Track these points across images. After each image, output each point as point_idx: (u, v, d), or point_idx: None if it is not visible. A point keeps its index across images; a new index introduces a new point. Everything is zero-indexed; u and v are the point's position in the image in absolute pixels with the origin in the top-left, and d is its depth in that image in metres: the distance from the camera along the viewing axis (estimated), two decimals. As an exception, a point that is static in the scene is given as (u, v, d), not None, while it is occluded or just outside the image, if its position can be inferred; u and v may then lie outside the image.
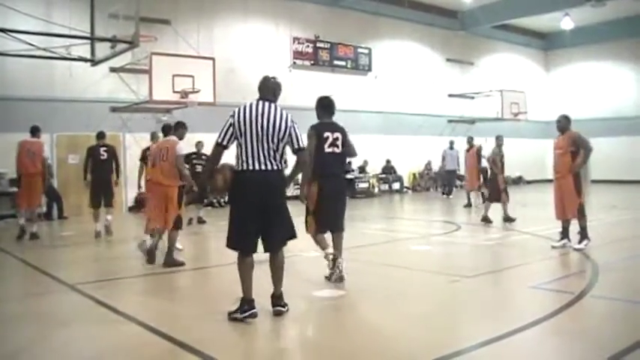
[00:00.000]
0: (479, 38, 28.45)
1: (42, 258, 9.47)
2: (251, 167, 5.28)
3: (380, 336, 5.09)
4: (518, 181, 28.96)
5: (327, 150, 6.98)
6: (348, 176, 22.11)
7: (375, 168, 23.65)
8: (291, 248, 8.68)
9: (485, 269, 7.80)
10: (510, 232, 11.46)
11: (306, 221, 7.20)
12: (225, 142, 5.35)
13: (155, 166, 8.58)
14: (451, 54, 27.44)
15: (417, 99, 25.42)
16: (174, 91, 15.20)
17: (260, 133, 5.30)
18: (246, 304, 5.36)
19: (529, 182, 29.30)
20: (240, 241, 5.36)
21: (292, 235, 5.62)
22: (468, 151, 17.24)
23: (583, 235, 8.97)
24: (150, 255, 8.26)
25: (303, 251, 8.56)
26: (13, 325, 5.66)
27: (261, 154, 5.29)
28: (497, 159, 12.96)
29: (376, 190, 23.05)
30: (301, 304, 6.19)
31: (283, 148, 5.49)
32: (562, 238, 9.14)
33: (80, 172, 12.47)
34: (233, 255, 5.46)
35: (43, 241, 11.35)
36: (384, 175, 24.22)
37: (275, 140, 5.35)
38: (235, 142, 5.38)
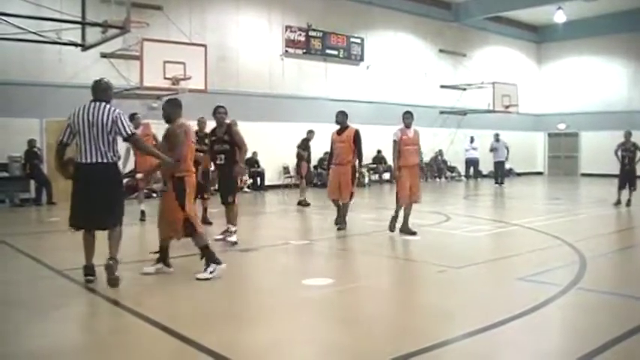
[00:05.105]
0: (472, 30, 28.41)
1: (30, 243, 9.42)
2: (83, 160, 6.15)
3: (367, 325, 5.10)
4: (508, 173, 29.07)
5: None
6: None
7: (365, 158, 23.61)
8: (280, 236, 8.70)
9: (472, 260, 7.82)
10: (499, 224, 11.51)
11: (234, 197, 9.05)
12: (65, 140, 6.23)
13: None
14: (444, 45, 27.40)
15: (409, 90, 25.39)
16: (165, 78, 15.07)
17: (89, 130, 6.11)
18: (86, 269, 6.40)
19: (519, 174, 29.41)
20: (75, 220, 6.35)
21: (116, 222, 6.39)
22: (339, 134, 10.70)
23: (208, 258, 6.77)
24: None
25: (292, 239, 8.57)
26: (0, 310, 5.64)
27: (89, 150, 6.11)
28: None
29: (366, 180, 23.07)
30: (290, 292, 6.20)
31: (113, 141, 6.24)
32: (159, 262, 7.02)
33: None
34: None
35: (31, 226, 11.25)
36: (374, 165, 24.24)
37: (102, 135, 6.13)
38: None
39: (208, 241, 6.86)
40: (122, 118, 6.23)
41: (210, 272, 6.60)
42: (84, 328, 5.21)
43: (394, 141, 9.88)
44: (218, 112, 9.00)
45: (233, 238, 8.92)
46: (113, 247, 6.32)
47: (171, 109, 6.98)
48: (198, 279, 6.54)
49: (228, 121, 9.06)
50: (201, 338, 4.58)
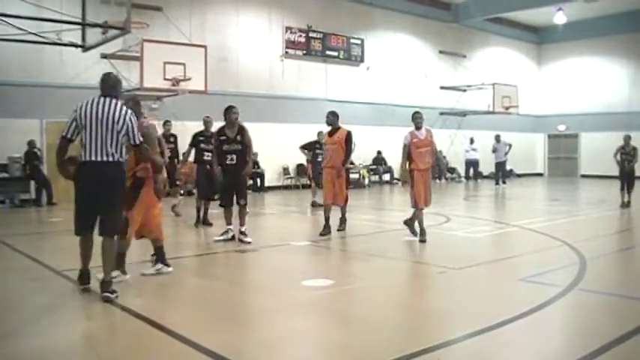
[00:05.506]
0: (472, 31, 28.43)
1: (30, 244, 9.42)
2: (87, 158, 5.69)
3: (367, 326, 5.09)
4: (508, 174, 29.05)
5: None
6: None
7: (365, 159, 23.65)
8: (280, 237, 8.69)
9: (473, 261, 7.81)
10: (499, 225, 11.50)
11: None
12: (69, 136, 5.76)
13: None
14: (444, 46, 27.41)
15: (409, 91, 25.40)
16: (165, 79, 15.10)
17: (97, 126, 5.67)
18: (81, 275, 6.09)
19: (519, 175, 29.40)
20: (76, 224, 5.92)
21: (115, 230, 5.94)
22: (330, 135, 10.24)
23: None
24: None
25: (292, 240, 8.56)
26: (0, 310, 5.64)
27: (95, 147, 5.66)
28: None
29: (366, 181, 23.07)
30: (290, 293, 6.20)
31: (122, 142, 5.82)
32: (157, 263, 7.07)
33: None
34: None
35: (31, 227, 11.24)
36: (374, 167, 24.23)
37: (111, 133, 5.70)
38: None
39: (126, 250, 6.64)
40: (134, 125, 5.86)
41: (113, 277, 6.15)
42: (83, 329, 5.20)
43: (404, 145, 9.26)
44: (233, 113, 8.99)
45: (249, 239, 9.08)
46: (107, 266, 5.84)
47: (132, 108, 6.47)
48: (103, 280, 5.85)
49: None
50: (200, 338, 4.57)
